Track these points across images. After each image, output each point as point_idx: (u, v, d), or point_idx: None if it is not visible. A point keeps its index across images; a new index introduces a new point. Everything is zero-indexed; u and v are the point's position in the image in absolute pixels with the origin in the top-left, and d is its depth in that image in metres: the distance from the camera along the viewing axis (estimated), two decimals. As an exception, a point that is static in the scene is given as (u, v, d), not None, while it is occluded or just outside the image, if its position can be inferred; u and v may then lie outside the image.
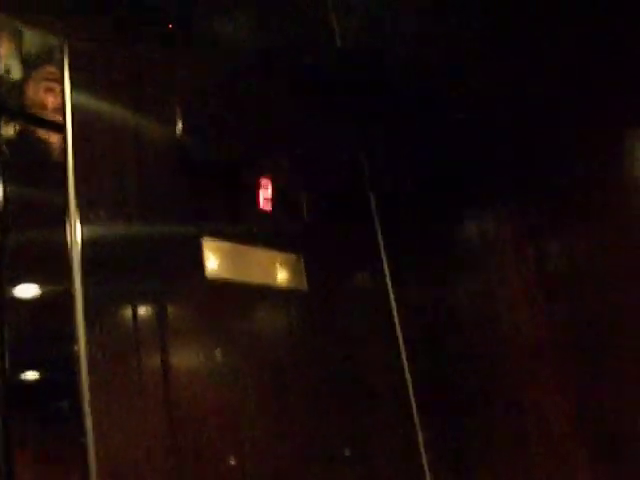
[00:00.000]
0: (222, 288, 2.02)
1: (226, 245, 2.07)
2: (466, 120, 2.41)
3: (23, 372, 1.51)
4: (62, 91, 1.90)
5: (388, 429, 2.29)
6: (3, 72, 2.08)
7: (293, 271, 2.23)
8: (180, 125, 2.09)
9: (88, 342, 1.56)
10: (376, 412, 2.26)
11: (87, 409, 1.52)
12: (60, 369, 1.58)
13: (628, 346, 2.05)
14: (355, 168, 2.59)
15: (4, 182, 1.89)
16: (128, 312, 1.76)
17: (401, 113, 2.50)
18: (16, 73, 2.07)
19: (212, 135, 2.16)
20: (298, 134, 2.41)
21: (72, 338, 1.55)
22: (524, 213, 2.32)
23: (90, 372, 1.51)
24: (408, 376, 2.36)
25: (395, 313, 2.44)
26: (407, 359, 2.39)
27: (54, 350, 1.59)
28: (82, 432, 1.54)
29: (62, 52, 1.93)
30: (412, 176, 2.55)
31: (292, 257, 2.24)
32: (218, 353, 1.91)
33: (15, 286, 1.60)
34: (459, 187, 2.47)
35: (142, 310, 1.80)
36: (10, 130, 2.06)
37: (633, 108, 2.08)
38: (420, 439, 2.32)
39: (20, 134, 2.03)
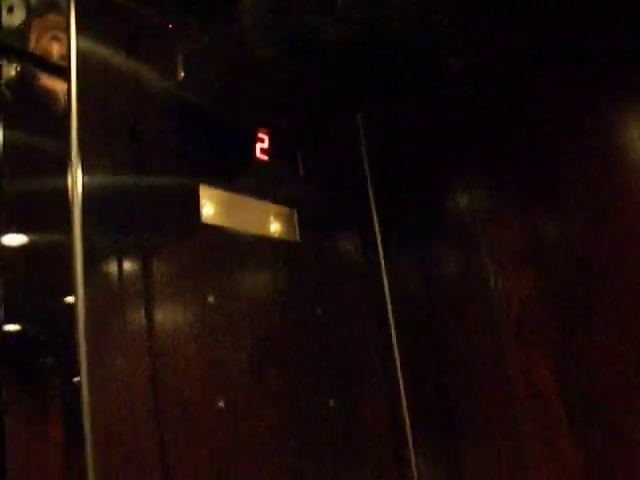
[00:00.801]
0: (217, 235, 2.06)
1: (222, 193, 2.11)
2: (462, 83, 2.43)
3: (17, 322, 1.57)
4: (68, 37, 1.90)
5: (373, 390, 2.36)
6: (6, 11, 2.08)
7: (286, 224, 2.28)
8: (181, 74, 2.10)
9: (86, 292, 1.60)
10: (361, 371, 2.33)
11: (83, 358, 1.56)
12: (56, 320, 1.63)
13: (608, 315, 2.11)
14: (351, 127, 2.60)
15: (3, 125, 1.93)
16: (127, 261, 1.81)
17: (398, 72, 2.51)
18: (20, 13, 2.07)
19: (212, 86, 2.17)
20: (297, 90, 2.42)
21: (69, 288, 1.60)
22: (516, 185, 2.36)
23: (86, 322, 1.56)
24: (395, 341, 2.41)
25: (385, 279, 2.48)
26: (395, 327, 2.44)
27: (50, 300, 1.64)
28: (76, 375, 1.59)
29: None
30: (407, 140, 2.58)
31: (286, 210, 2.29)
32: (211, 299, 1.97)
33: (10, 233, 1.64)
34: (453, 154, 2.50)
35: (134, 261, 1.84)
36: (12, 71, 2.08)
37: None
38: (404, 404, 2.37)
39: (22, 76, 2.06)
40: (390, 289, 2.47)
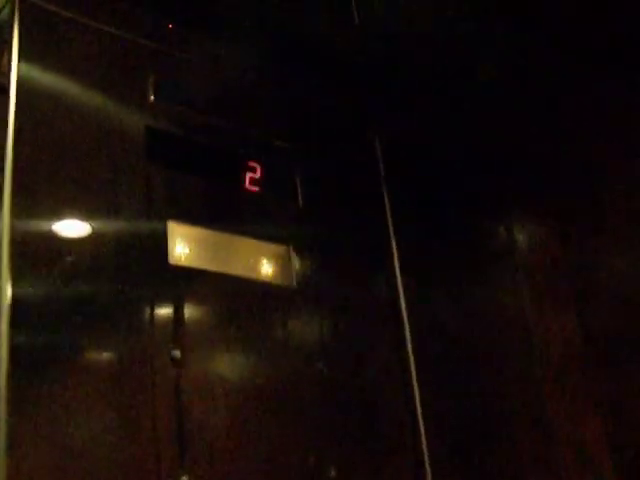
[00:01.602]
0: (189, 280, 1.76)
1: (199, 231, 1.82)
2: (492, 96, 2.08)
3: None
4: (9, 53, 1.66)
5: (387, 459, 2.01)
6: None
7: (280, 265, 1.96)
8: (151, 97, 1.83)
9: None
10: (372, 435, 1.98)
11: None
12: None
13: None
14: (366, 148, 2.28)
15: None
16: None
17: (419, 95, 2.19)
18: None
19: (193, 109, 1.89)
20: (298, 106, 2.13)
21: None
22: (557, 215, 1.98)
23: None
24: (417, 394, 2.05)
25: (406, 324, 2.12)
26: (417, 376, 2.08)
27: None
28: None
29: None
30: (432, 162, 2.24)
31: (280, 249, 1.97)
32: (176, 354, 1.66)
33: None
34: (488, 180, 2.14)
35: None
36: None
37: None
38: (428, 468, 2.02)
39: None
40: (412, 337, 2.11)
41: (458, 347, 2.12)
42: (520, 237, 2.07)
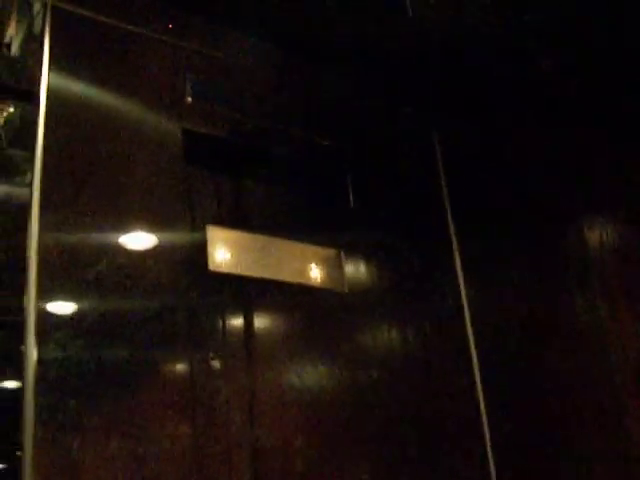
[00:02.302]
0: (230, 286, 1.68)
1: (241, 235, 1.73)
2: (557, 88, 1.91)
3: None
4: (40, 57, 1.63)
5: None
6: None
7: (331, 270, 1.85)
8: (189, 99, 1.76)
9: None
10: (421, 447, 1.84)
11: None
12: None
13: None
14: (426, 152, 2.14)
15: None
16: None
17: (481, 93, 2.05)
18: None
19: (229, 110, 1.82)
20: (352, 109, 2.03)
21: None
22: (630, 215, 1.80)
23: None
24: (482, 403, 1.90)
25: (469, 327, 1.98)
26: (482, 382, 1.92)
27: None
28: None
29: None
30: (492, 165, 2.08)
31: (331, 253, 1.86)
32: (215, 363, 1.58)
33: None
34: (547, 185, 1.97)
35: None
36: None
37: None
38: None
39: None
40: (476, 341, 1.95)
41: (525, 352, 1.94)
42: (591, 238, 1.88)
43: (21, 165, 1.79)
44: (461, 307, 2.00)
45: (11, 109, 1.83)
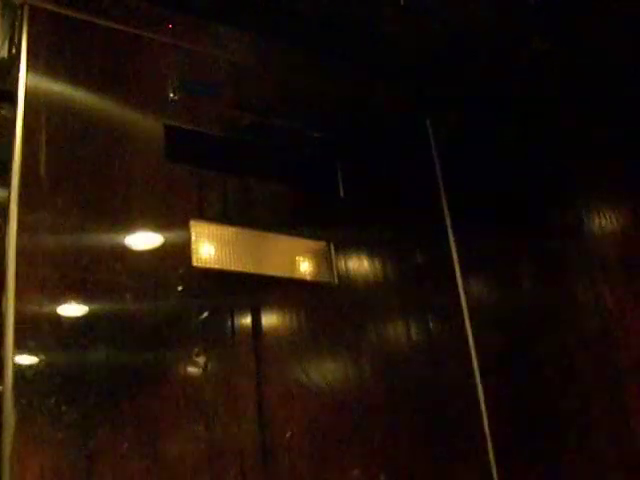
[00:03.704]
0: (217, 281, 1.66)
1: (226, 229, 1.71)
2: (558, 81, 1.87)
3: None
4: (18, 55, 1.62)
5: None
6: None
7: (320, 262, 1.82)
8: (171, 96, 1.75)
9: None
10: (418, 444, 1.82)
11: None
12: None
13: None
14: (419, 139, 2.11)
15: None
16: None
17: (475, 78, 2.01)
18: None
19: (213, 106, 1.80)
20: (339, 97, 2.00)
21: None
22: (630, 197, 1.75)
23: None
24: (483, 407, 1.87)
25: (467, 317, 1.94)
26: (480, 373, 1.89)
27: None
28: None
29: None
30: (488, 150, 2.03)
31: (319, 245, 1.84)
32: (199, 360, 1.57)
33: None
34: (544, 170, 1.92)
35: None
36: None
37: None
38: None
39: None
40: (474, 334, 1.92)
41: (525, 340, 1.91)
42: (591, 222, 1.83)
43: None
44: (458, 297, 1.96)
45: (-5, 110, 1.83)
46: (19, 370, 1.35)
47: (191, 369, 1.55)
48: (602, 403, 1.76)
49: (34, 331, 1.40)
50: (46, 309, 1.43)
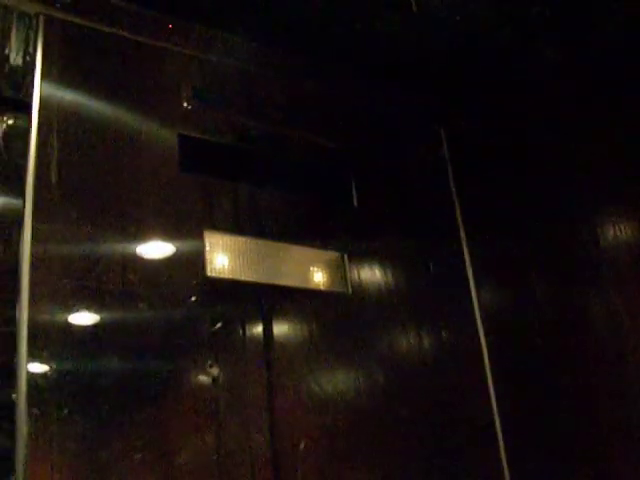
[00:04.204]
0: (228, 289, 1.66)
1: (240, 240, 1.71)
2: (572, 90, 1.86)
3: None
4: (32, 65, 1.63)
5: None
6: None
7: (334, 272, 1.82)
8: (185, 105, 1.75)
9: None
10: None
11: None
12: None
13: None
14: (433, 150, 2.10)
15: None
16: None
17: (489, 88, 2.00)
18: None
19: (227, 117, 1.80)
20: (353, 108, 1.99)
21: None
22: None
23: None
24: (497, 417, 1.86)
25: (480, 326, 1.93)
26: (494, 381, 1.88)
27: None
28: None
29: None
30: (503, 161, 2.03)
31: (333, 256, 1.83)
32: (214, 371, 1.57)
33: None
34: (559, 181, 1.91)
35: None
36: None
37: None
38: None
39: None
40: (488, 343, 1.91)
41: (539, 350, 1.90)
42: (605, 236, 1.82)
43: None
44: (472, 308, 1.96)
45: (10, 121, 1.83)
46: (33, 379, 1.35)
47: (203, 379, 1.55)
48: (616, 415, 1.74)
49: (48, 340, 1.40)
50: (59, 318, 1.43)
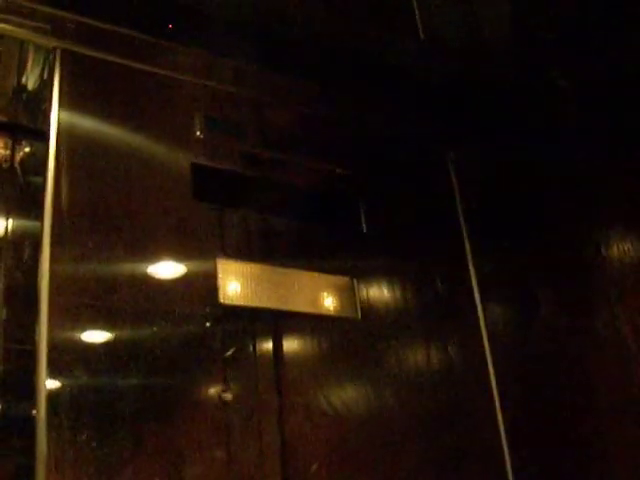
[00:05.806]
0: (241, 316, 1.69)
1: (252, 266, 1.74)
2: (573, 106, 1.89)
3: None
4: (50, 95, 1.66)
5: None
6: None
7: (344, 297, 1.84)
8: (197, 134, 1.78)
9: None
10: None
11: None
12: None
13: None
14: (440, 175, 2.13)
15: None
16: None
17: (494, 113, 2.04)
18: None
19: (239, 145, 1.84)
20: (363, 134, 2.03)
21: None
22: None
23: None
24: (503, 434, 1.88)
25: (488, 350, 1.95)
26: (500, 400, 1.90)
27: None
28: None
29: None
30: (509, 184, 2.06)
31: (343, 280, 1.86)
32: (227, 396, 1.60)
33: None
34: (564, 203, 1.94)
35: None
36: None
37: None
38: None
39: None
40: (493, 360, 1.93)
41: (545, 367, 1.92)
42: (610, 255, 1.85)
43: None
44: (478, 325, 1.98)
45: (27, 149, 1.88)
46: (52, 397, 1.38)
47: (217, 404, 1.58)
48: (621, 433, 1.76)
49: (66, 357, 1.43)
50: (77, 339, 1.47)
